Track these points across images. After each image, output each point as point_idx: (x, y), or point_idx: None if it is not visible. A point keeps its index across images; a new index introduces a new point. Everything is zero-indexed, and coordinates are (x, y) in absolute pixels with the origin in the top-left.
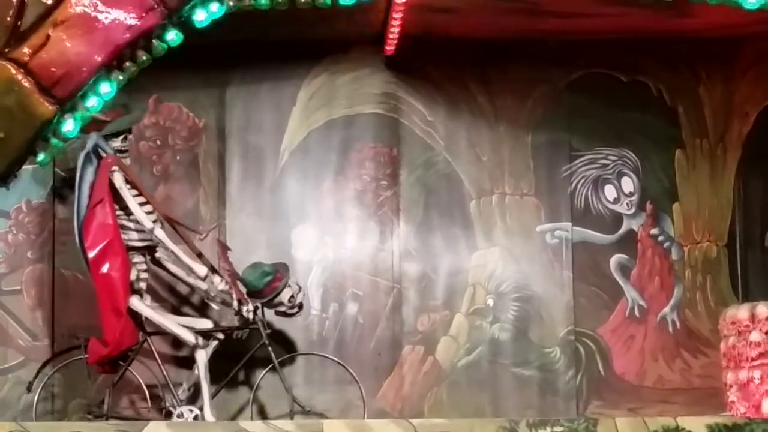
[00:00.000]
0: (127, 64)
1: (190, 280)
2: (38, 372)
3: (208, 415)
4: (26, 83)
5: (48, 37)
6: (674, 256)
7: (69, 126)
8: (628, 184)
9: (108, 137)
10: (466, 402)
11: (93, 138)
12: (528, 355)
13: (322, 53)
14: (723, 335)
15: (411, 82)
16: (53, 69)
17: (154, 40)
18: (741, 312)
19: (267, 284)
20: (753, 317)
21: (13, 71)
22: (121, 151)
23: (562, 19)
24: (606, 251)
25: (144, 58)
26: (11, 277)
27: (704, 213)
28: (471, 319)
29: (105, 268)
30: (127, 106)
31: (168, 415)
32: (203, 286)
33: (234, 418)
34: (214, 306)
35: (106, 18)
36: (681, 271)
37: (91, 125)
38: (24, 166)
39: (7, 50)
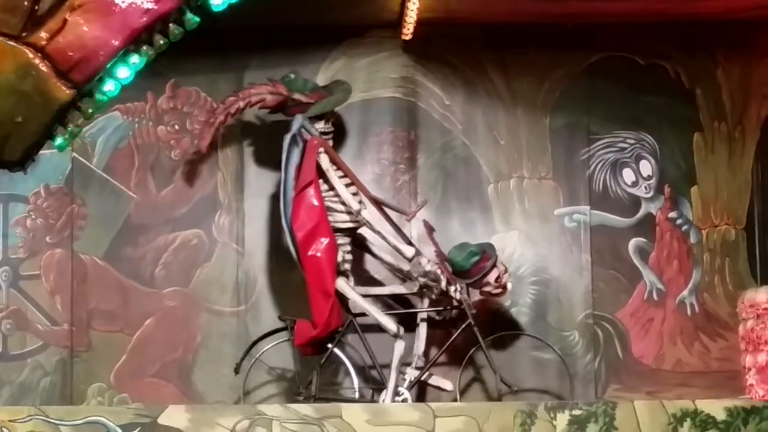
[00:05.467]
0: (145, 48)
1: (393, 261)
2: (245, 353)
3: (389, 402)
4: (43, 67)
5: (65, 21)
6: (692, 239)
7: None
8: (647, 167)
9: (312, 119)
10: (485, 385)
11: (298, 120)
12: (546, 338)
13: (340, 37)
14: (741, 318)
15: (429, 66)
16: (70, 53)
17: (171, 24)
18: (759, 295)
19: (474, 264)
20: None
21: (31, 55)
22: (324, 133)
23: (581, 2)
24: (624, 235)
25: (161, 42)
26: (30, 262)
27: (722, 196)
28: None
29: (313, 250)
30: (330, 88)
31: (377, 396)
32: (408, 267)
33: (455, 399)
34: (415, 286)
35: (123, 2)
36: (699, 254)
37: (295, 108)
38: (42, 151)
39: (24, 34)
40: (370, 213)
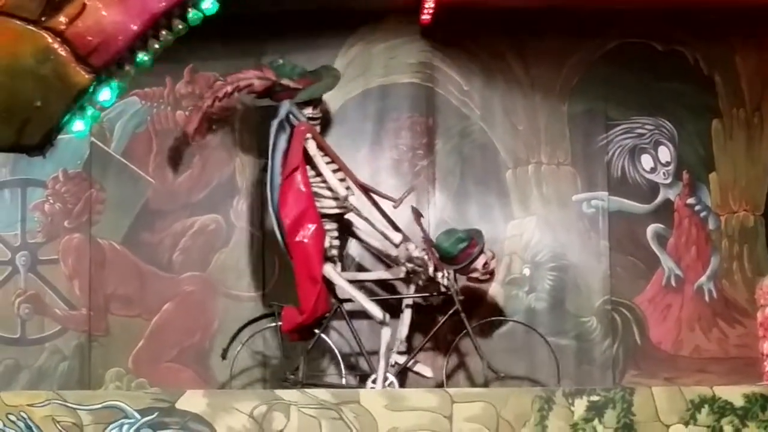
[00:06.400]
0: (163, 32)
1: (381, 246)
2: (232, 339)
3: (379, 388)
4: (62, 52)
5: (84, 6)
6: (711, 225)
7: (105, 95)
8: (665, 153)
9: (300, 105)
10: (503, 371)
11: (286, 106)
12: (564, 324)
13: (358, 23)
14: (760, 305)
15: (447, 51)
16: (89, 38)
17: (190, 9)
18: None
19: (462, 251)
20: None
21: (50, 40)
22: (312, 119)
23: None
24: (642, 221)
25: (180, 27)
26: (48, 247)
27: (741, 182)
28: (507, 288)
29: (300, 236)
30: (318, 73)
31: (363, 382)
32: (395, 253)
33: (441, 384)
34: (402, 272)
35: None
36: (718, 240)
37: (282, 93)
38: (60, 136)
39: (43, 19)
40: (357, 199)
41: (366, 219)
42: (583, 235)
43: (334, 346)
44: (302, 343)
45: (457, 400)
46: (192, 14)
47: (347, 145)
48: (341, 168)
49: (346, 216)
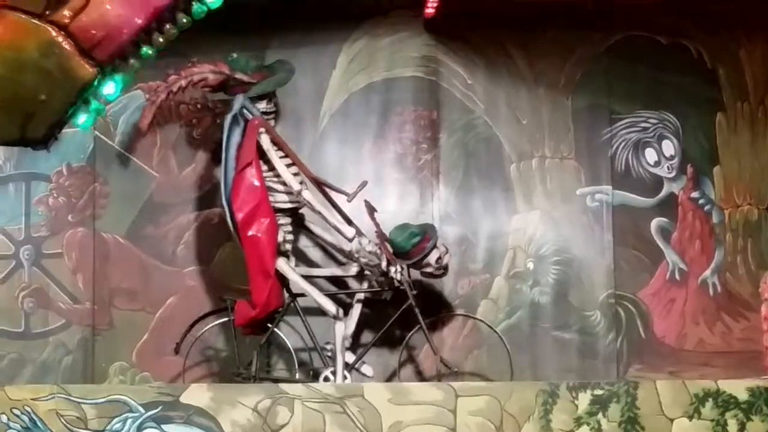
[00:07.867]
0: (167, 26)
1: (334, 241)
2: (185, 333)
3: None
4: (67, 45)
5: None
6: (715, 219)
7: (109, 89)
8: (669, 147)
9: (254, 99)
10: (507, 365)
11: (239, 100)
12: (568, 318)
13: (362, 16)
14: (764, 298)
15: (451, 45)
16: (93, 31)
17: (194, 3)
18: None
19: (415, 245)
20: None
21: (54, 33)
22: (266, 113)
23: None
24: (646, 214)
25: (184, 20)
26: (52, 241)
27: (745, 176)
28: (511, 282)
29: (253, 230)
30: (272, 67)
31: (315, 377)
32: (349, 247)
33: (390, 378)
34: (354, 269)
35: None
36: (722, 234)
37: (236, 87)
38: (64, 130)
39: (47, 12)
40: (311, 193)
41: (319, 213)
42: (587, 229)
43: (287, 341)
44: (255, 337)
45: (462, 394)
46: (196, 8)
47: (351, 139)
48: (295, 162)
49: (300, 210)
